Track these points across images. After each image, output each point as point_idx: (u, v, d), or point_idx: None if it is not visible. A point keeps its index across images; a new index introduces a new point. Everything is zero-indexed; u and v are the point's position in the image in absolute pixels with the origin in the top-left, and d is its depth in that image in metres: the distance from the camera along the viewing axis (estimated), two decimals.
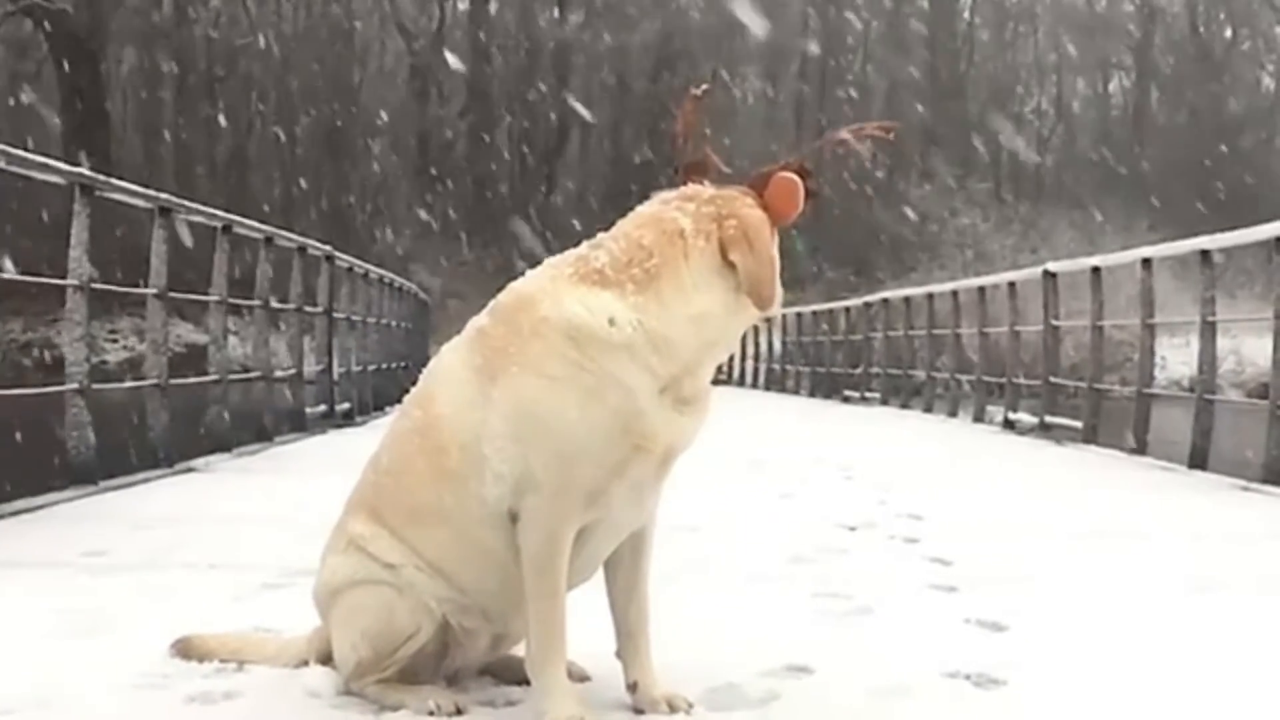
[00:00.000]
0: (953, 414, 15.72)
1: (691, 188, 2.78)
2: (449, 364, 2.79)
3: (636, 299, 2.65)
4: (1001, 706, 2.97)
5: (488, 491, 2.69)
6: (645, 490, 2.74)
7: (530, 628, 2.70)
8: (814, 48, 49.83)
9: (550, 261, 2.79)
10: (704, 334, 2.69)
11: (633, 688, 2.85)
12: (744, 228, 2.69)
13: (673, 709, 2.81)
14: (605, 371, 2.63)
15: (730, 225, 2.69)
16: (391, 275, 18.63)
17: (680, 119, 2.87)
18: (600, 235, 2.77)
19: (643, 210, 2.78)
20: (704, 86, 2.94)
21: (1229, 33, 52.28)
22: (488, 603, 2.80)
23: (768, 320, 3.18)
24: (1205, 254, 9.29)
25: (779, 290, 2.77)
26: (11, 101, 39.51)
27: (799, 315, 25.63)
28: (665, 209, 2.75)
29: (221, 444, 9.29)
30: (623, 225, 2.76)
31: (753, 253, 2.68)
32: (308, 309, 12.52)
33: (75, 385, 7.13)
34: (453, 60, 46.60)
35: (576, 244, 2.81)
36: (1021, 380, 13.90)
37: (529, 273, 2.80)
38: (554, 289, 2.69)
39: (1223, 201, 42.45)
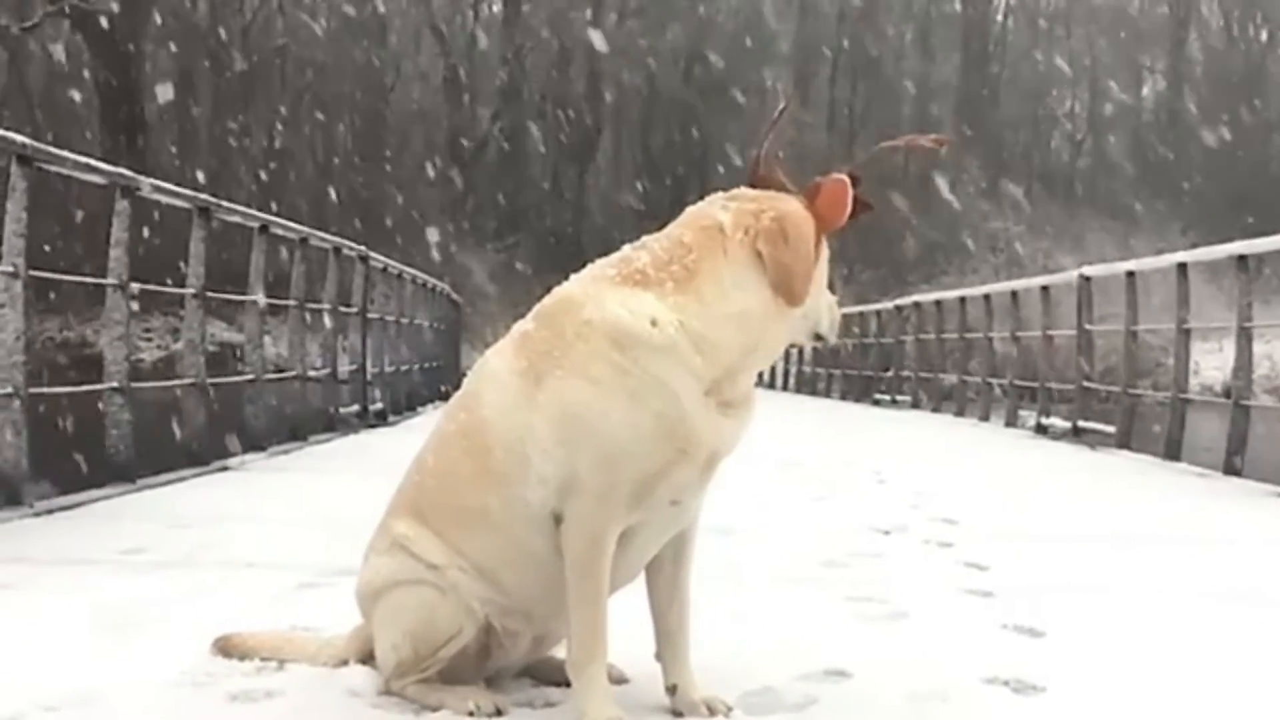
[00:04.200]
0: (984, 418, 15.66)
1: (741, 190, 2.79)
2: (494, 367, 2.80)
3: (677, 298, 2.66)
4: (1041, 713, 2.96)
5: (532, 494, 2.70)
6: (689, 493, 2.75)
7: (572, 630, 2.71)
8: (845, 50, 49.72)
9: (595, 264, 2.80)
10: (744, 334, 2.68)
11: (672, 690, 2.86)
12: (782, 222, 2.69)
13: (712, 712, 2.82)
14: (649, 374, 2.63)
15: (767, 218, 2.70)
16: (424, 276, 18.66)
17: (767, 139, 2.86)
18: (645, 237, 2.79)
19: (689, 210, 2.80)
20: (781, 105, 2.96)
21: (1265, 35, 51.89)
22: (530, 605, 2.81)
23: (819, 339, 3.07)
24: (1242, 259, 9.23)
25: (835, 312, 2.79)
26: (51, 102, 39.83)
27: None
28: (710, 208, 2.77)
29: (256, 443, 9.34)
30: (669, 227, 2.78)
31: (786, 246, 2.68)
32: (342, 309, 12.57)
33: (115, 384, 7.19)
34: (486, 62, 46.75)
35: (612, 245, 2.83)
36: (1054, 385, 13.85)
37: (573, 276, 2.81)
38: (596, 291, 2.71)
39: (1258, 205, 42.14)
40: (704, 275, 2.68)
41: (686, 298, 2.66)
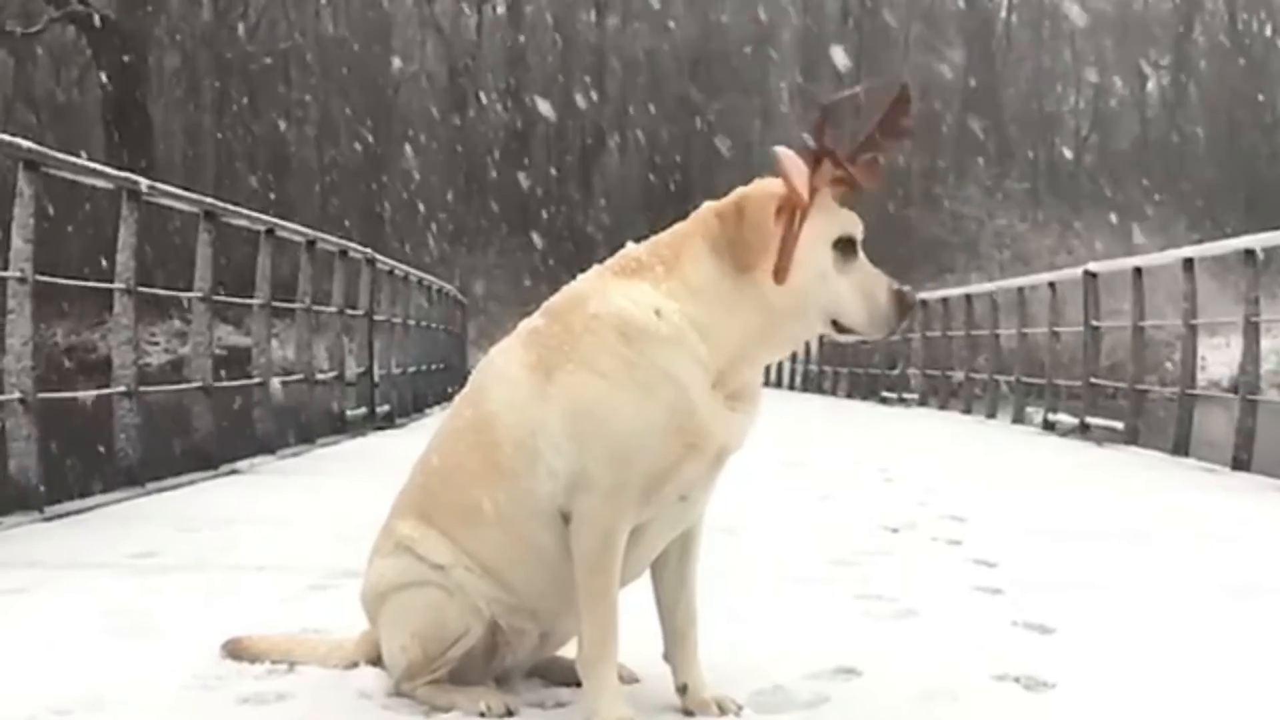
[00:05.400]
0: (991, 415, 15.66)
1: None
2: (501, 363, 2.80)
3: (669, 285, 2.68)
4: (1052, 709, 2.96)
5: (540, 488, 2.70)
6: (698, 488, 2.75)
7: (583, 628, 2.71)
8: (850, 48, 49.67)
9: (601, 264, 2.82)
10: (740, 317, 2.68)
11: (682, 690, 2.85)
12: (740, 200, 2.70)
13: (722, 711, 2.82)
14: (658, 366, 2.64)
15: (733, 197, 2.72)
16: (430, 278, 18.68)
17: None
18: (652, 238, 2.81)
19: None
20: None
21: (1269, 30, 51.76)
22: (537, 603, 2.81)
23: (838, 328, 3.01)
24: (1249, 253, 9.21)
25: (876, 299, 2.72)
26: (56, 106, 39.95)
27: None
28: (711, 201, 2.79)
29: (264, 446, 9.35)
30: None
31: (742, 220, 2.67)
32: (349, 312, 12.58)
33: (123, 388, 7.20)
34: (490, 62, 46.83)
35: (618, 245, 2.84)
36: (1061, 381, 13.83)
37: (580, 276, 2.83)
38: (600, 285, 2.73)
39: (1263, 200, 42.06)
40: (686, 256, 2.70)
41: (674, 282, 2.68)
